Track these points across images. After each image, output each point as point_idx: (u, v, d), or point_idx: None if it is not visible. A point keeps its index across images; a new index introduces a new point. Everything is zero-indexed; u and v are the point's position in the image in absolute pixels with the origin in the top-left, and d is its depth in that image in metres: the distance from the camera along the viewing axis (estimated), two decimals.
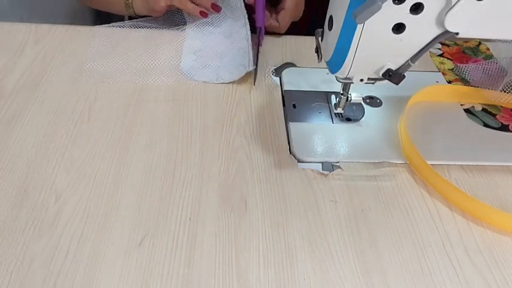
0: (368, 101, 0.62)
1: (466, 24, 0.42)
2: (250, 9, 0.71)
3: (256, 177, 0.51)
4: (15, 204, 0.46)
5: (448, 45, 0.75)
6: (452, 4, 0.41)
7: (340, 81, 0.52)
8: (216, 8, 0.70)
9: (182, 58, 0.67)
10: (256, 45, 0.68)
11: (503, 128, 0.60)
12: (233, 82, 0.63)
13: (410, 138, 0.53)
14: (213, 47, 0.68)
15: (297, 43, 0.72)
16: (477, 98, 0.64)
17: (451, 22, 0.42)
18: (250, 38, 0.69)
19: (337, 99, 0.57)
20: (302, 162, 0.53)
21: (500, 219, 0.47)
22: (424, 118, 0.60)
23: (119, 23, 0.72)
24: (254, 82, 0.63)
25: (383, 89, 0.57)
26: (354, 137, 0.56)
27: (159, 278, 0.41)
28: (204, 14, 0.70)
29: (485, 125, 0.60)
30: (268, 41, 0.72)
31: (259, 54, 0.68)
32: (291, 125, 0.57)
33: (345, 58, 0.47)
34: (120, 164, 0.51)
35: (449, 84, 0.66)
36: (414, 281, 0.42)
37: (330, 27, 0.47)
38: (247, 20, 0.71)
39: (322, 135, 0.56)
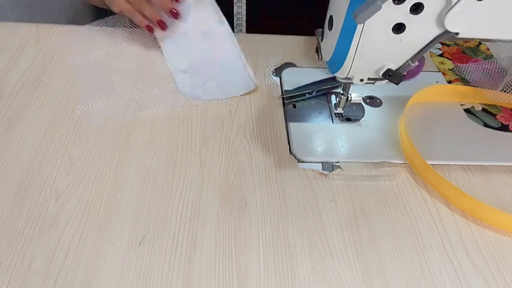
0: (368, 101, 0.62)
1: (466, 24, 0.42)
2: None
3: (256, 177, 0.51)
4: (15, 204, 0.46)
5: (448, 45, 0.75)
6: (452, 4, 0.41)
7: (340, 81, 0.52)
8: (175, 15, 0.66)
9: (176, 80, 0.62)
10: None
11: (504, 128, 0.60)
12: None
13: (410, 139, 0.53)
14: (201, 60, 0.64)
15: (297, 43, 0.72)
16: (477, 98, 0.64)
17: (451, 22, 0.42)
18: (234, 38, 0.65)
19: (337, 99, 0.57)
20: (302, 162, 0.53)
21: (500, 219, 0.47)
22: (424, 118, 0.60)
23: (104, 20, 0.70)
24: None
25: (383, 89, 0.57)
26: (354, 137, 0.56)
27: (159, 278, 0.41)
28: (150, 29, 0.66)
29: (486, 125, 0.60)
30: (268, 41, 0.72)
31: None
32: (291, 125, 0.57)
33: (345, 58, 0.47)
34: (120, 164, 0.51)
35: (450, 84, 0.66)
36: (414, 281, 0.42)
37: (330, 27, 0.47)
38: (221, 16, 0.67)
39: (322, 135, 0.56)
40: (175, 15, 0.66)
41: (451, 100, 0.64)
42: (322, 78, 0.63)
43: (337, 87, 0.62)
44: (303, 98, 0.61)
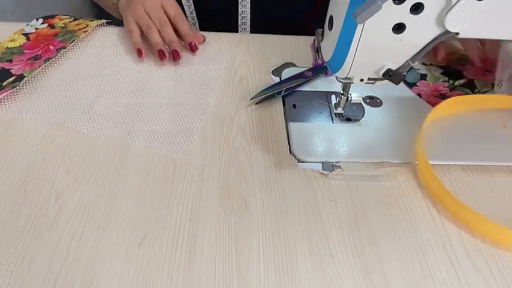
0: (368, 101, 0.62)
1: (466, 24, 0.42)
2: None
3: (256, 177, 0.51)
4: (15, 204, 0.46)
5: None
6: (452, 4, 0.41)
7: (340, 81, 0.52)
8: (194, 48, 0.66)
9: None
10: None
11: None
12: (233, 83, 0.63)
13: (428, 162, 0.51)
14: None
15: (297, 43, 0.72)
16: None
17: (451, 22, 0.42)
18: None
19: (337, 99, 0.57)
20: (302, 162, 0.53)
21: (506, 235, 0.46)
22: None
23: None
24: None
25: (383, 89, 0.57)
26: (354, 137, 0.56)
27: (159, 278, 0.41)
28: (162, 56, 0.63)
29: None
30: (268, 41, 0.72)
31: None
32: (291, 125, 0.57)
33: (345, 58, 0.47)
34: (120, 164, 0.51)
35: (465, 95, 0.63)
36: (414, 281, 0.42)
37: (330, 27, 0.47)
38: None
39: (322, 135, 0.56)
40: (194, 49, 0.66)
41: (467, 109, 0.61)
42: (288, 76, 0.63)
43: (303, 83, 0.62)
44: (271, 98, 0.61)
